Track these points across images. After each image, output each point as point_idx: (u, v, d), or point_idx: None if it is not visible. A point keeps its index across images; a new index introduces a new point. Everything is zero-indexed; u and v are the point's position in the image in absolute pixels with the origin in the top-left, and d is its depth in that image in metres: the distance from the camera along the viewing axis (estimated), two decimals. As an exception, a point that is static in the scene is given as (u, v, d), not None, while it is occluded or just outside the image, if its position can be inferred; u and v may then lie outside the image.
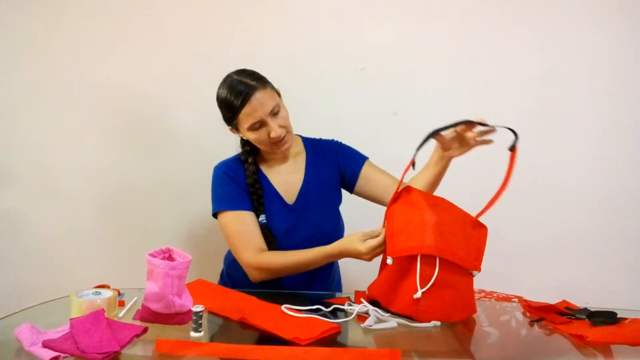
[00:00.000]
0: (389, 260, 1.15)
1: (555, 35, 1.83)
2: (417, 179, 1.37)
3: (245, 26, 1.85)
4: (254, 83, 1.33)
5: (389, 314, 1.15)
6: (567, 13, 1.82)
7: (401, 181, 1.21)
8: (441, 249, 1.09)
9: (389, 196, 1.40)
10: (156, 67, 1.87)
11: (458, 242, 1.11)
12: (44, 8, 1.85)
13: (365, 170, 1.50)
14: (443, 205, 1.18)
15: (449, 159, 1.27)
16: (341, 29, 1.85)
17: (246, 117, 1.33)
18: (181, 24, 1.86)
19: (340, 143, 1.57)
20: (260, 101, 1.32)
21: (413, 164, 1.15)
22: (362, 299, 1.21)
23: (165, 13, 1.85)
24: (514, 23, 1.83)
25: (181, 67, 1.86)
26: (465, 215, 1.18)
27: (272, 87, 1.38)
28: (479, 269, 1.13)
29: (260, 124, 1.34)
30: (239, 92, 1.32)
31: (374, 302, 1.20)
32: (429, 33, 1.85)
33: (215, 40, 1.85)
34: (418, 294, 1.09)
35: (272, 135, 1.34)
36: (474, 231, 1.14)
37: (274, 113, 1.34)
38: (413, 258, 1.12)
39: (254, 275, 1.36)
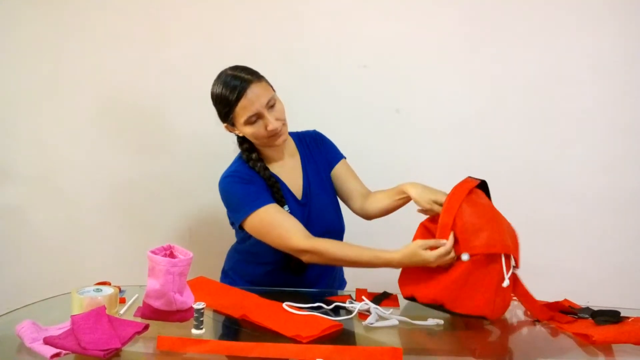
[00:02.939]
0: (465, 257, 1.14)
1: (558, 33, 1.82)
2: (376, 202, 1.46)
3: (247, 23, 1.84)
4: (248, 77, 1.33)
5: (391, 310, 1.15)
6: (569, 11, 1.81)
7: (463, 187, 1.21)
8: (512, 249, 1.15)
9: (350, 200, 1.52)
10: (157, 64, 1.86)
11: (515, 244, 1.18)
12: (45, 6, 1.84)
13: (339, 168, 1.53)
14: (495, 208, 1.23)
15: (407, 202, 1.38)
16: (343, 26, 1.85)
17: (242, 111, 1.32)
18: (181, 20, 1.85)
19: (321, 134, 1.58)
20: (256, 94, 1.31)
21: (474, 185, 1.21)
22: (363, 297, 1.21)
23: (166, 10, 1.84)
24: (516, 21, 1.82)
25: (182, 64, 1.85)
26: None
27: (267, 82, 1.37)
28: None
29: (257, 117, 1.33)
30: (234, 86, 1.31)
31: (434, 306, 1.18)
32: (431, 30, 1.84)
33: (216, 37, 1.85)
34: (506, 282, 1.11)
35: (269, 127, 1.33)
36: (514, 234, 1.21)
37: (270, 106, 1.33)
38: (491, 257, 1.13)
39: (306, 258, 1.33)
